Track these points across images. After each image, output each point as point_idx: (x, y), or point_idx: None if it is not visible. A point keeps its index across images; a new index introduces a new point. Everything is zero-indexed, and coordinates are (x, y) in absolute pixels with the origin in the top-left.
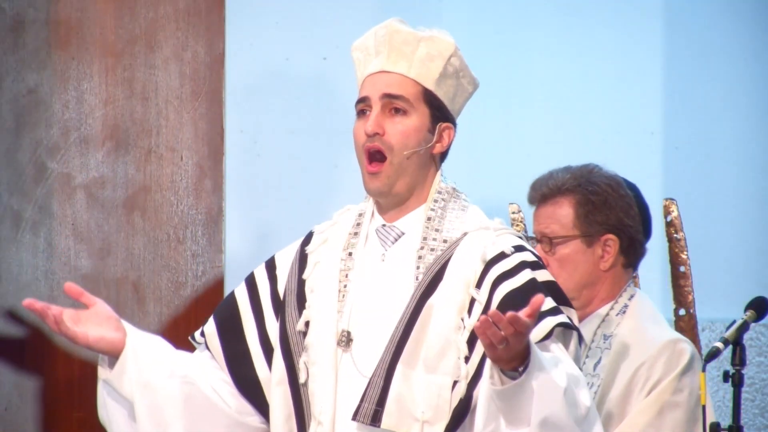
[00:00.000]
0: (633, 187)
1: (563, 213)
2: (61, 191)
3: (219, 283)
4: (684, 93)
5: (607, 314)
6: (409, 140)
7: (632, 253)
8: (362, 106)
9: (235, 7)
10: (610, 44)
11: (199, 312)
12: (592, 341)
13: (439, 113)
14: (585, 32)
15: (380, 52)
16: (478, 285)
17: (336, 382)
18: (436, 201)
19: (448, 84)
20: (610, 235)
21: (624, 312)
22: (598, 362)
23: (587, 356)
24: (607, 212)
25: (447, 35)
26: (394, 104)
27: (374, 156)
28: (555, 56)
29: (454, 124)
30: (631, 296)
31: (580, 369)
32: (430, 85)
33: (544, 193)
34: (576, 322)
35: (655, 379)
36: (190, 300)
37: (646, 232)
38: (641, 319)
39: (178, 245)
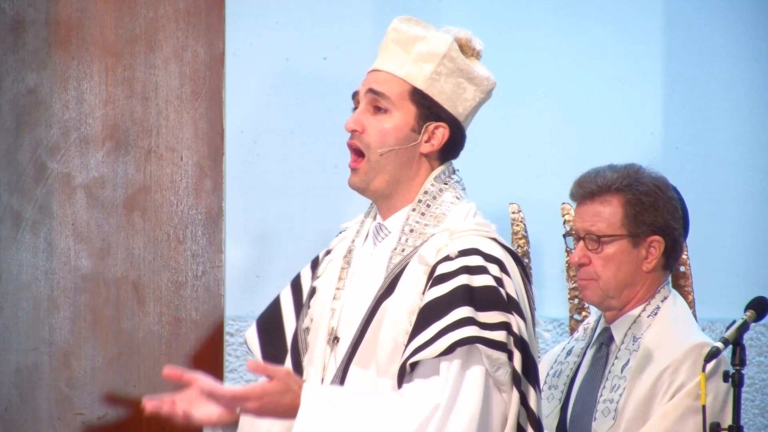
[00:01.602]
0: (675, 189)
1: (611, 212)
2: (61, 191)
3: (219, 283)
4: (684, 93)
5: (639, 316)
6: (386, 139)
7: (673, 255)
8: (354, 102)
9: (235, 7)
10: (610, 44)
11: (199, 312)
12: (622, 342)
13: (430, 113)
14: (585, 32)
15: (382, 50)
16: (424, 291)
17: (322, 382)
18: (420, 201)
19: (445, 83)
20: (657, 237)
21: (655, 314)
22: (626, 364)
23: (617, 357)
24: (656, 214)
25: (444, 35)
26: (376, 102)
27: (357, 152)
28: (555, 56)
29: (455, 124)
30: (665, 298)
31: (526, 375)
32: (420, 84)
33: (592, 190)
34: (517, 327)
35: (678, 383)
36: (190, 300)
37: (686, 234)
38: (671, 322)
39: (178, 245)
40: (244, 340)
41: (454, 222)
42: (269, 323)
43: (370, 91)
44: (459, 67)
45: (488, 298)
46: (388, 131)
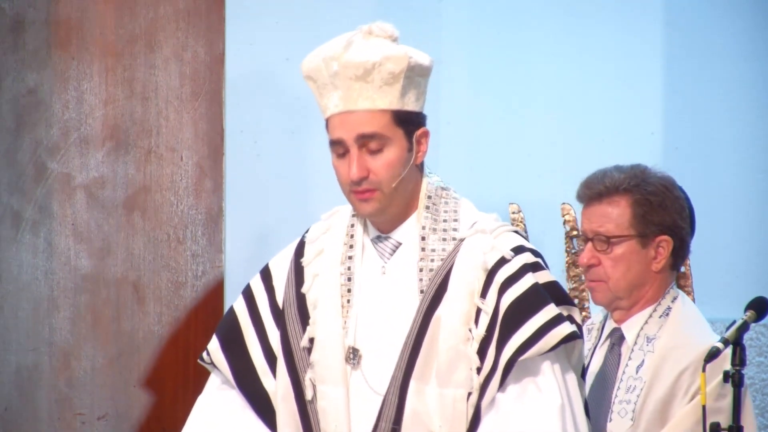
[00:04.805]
0: (681, 189)
1: (620, 212)
2: (61, 191)
3: (219, 283)
4: (684, 93)
5: (650, 316)
6: (394, 170)
7: (681, 255)
8: (339, 149)
9: (235, 7)
10: (610, 44)
11: (199, 312)
12: (635, 343)
13: (412, 125)
14: (585, 32)
15: (337, 86)
16: (483, 294)
17: (347, 400)
18: (427, 207)
19: (411, 91)
20: (665, 237)
21: (667, 315)
22: (641, 365)
23: (630, 358)
24: (664, 213)
25: (395, 47)
26: (368, 144)
27: (367, 190)
28: (555, 56)
29: (424, 119)
30: (674, 298)
31: (585, 367)
32: (396, 105)
33: (600, 191)
34: (578, 318)
35: (698, 384)
36: (190, 300)
37: (692, 234)
38: (685, 323)
39: (178, 245)
40: (206, 352)
41: (479, 221)
42: (231, 337)
43: (361, 136)
44: (416, 72)
45: (557, 294)
46: (393, 163)
